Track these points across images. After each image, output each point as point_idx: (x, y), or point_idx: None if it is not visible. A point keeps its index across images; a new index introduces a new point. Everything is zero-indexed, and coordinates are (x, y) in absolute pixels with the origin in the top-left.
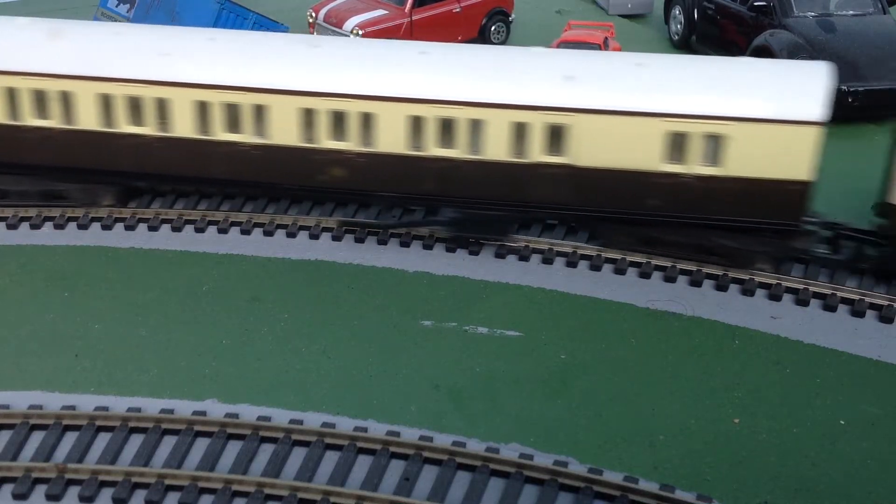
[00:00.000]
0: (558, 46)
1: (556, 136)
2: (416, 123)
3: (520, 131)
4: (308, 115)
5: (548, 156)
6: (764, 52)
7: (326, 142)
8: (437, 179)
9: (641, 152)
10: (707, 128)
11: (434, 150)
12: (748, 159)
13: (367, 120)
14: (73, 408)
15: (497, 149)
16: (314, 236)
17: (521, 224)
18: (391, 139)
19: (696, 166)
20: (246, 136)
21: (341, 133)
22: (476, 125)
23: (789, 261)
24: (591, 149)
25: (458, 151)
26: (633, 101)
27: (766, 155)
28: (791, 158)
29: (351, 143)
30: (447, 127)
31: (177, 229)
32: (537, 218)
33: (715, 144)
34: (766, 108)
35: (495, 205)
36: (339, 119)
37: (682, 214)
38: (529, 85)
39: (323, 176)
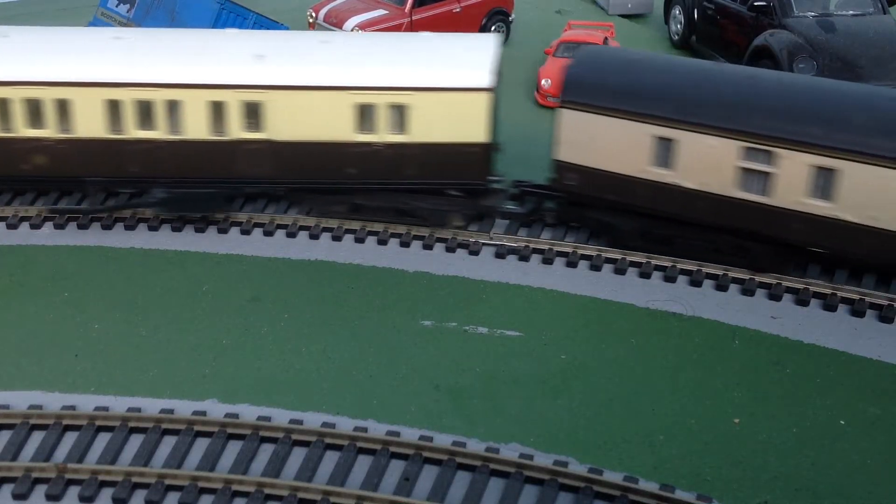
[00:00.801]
0: (558, 46)
1: (253, 114)
2: (115, 107)
3: (217, 110)
4: (22, 105)
5: (247, 132)
6: (764, 52)
7: (24, 130)
8: (142, 161)
9: (334, 124)
10: (391, 98)
11: (135, 132)
12: (430, 126)
13: (62, 106)
14: (73, 408)
15: (197, 128)
16: (314, 236)
17: (229, 199)
18: (90, 124)
19: (385, 135)
20: None
21: (39, 120)
22: (174, 106)
23: (482, 218)
24: (288, 124)
25: (159, 133)
26: (322, 77)
27: (445, 121)
28: (468, 123)
29: (49, 130)
30: (146, 109)
31: (177, 229)
32: (244, 193)
33: (399, 114)
34: (442, 78)
35: (202, 183)
36: (35, 107)
37: (377, 181)
38: (223, 65)
39: (25, 165)
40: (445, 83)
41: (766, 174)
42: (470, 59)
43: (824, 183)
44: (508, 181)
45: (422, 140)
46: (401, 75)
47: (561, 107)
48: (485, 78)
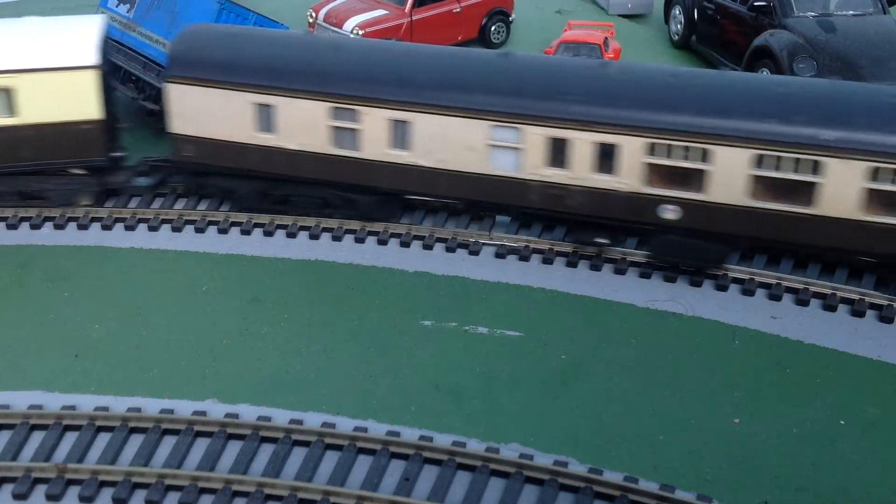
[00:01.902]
0: (558, 46)
1: None
2: None
3: None
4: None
5: None
6: (764, 52)
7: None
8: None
9: None
10: None
11: None
12: (41, 107)
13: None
14: (73, 408)
15: None
16: (314, 236)
17: None
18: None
19: None
20: None
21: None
22: None
23: (111, 194)
24: None
25: None
26: None
27: (56, 101)
28: (79, 101)
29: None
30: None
31: (177, 229)
32: None
33: (7, 97)
34: (48, 59)
35: None
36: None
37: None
38: None
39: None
40: (51, 63)
41: (354, 131)
42: (75, 39)
43: (402, 134)
44: (139, 158)
45: (34, 121)
46: (6, 59)
47: (167, 83)
48: (91, 56)
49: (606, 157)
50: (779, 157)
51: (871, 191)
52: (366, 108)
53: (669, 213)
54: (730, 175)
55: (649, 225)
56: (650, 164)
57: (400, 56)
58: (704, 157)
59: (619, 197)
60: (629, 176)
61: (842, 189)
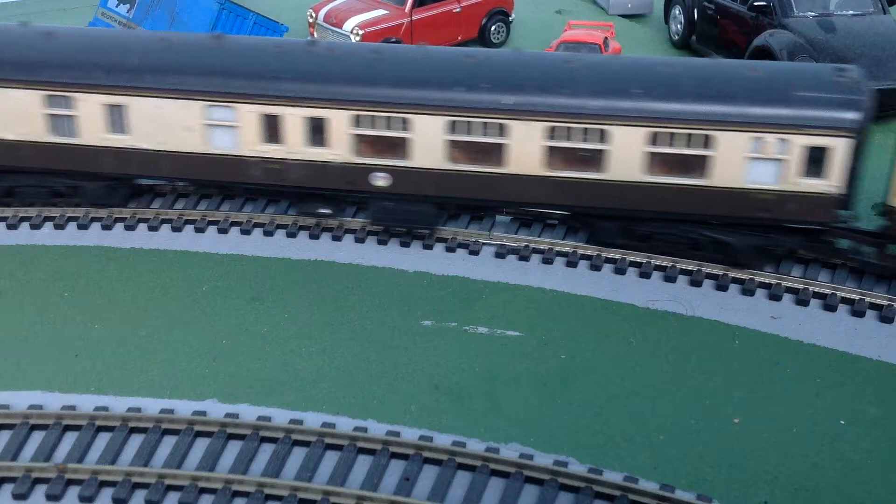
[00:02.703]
0: (558, 46)
1: None
2: None
3: None
4: None
5: None
6: (764, 52)
7: None
8: None
9: None
10: None
11: None
12: None
13: None
14: (73, 408)
15: None
16: (314, 236)
17: None
18: None
19: None
20: None
21: None
22: None
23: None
24: None
25: None
26: None
27: None
28: None
29: None
30: None
31: (177, 229)
32: None
33: None
34: None
35: None
36: None
37: None
38: None
39: None
40: None
41: (71, 117)
42: None
43: (119, 118)
44: None
45: None
46: None
47: None
48: None
49: (318, 131)
50: (469, 123)
51: (550, 148)
52: (80, 95)
53: (380, 180)
54: (429, 141)
55: (364, 193)
56: (358, 135)
57: (113, 42)
58: (405, 126)
59: (333, 168)
60: (340, 147)
61: (525, 149)
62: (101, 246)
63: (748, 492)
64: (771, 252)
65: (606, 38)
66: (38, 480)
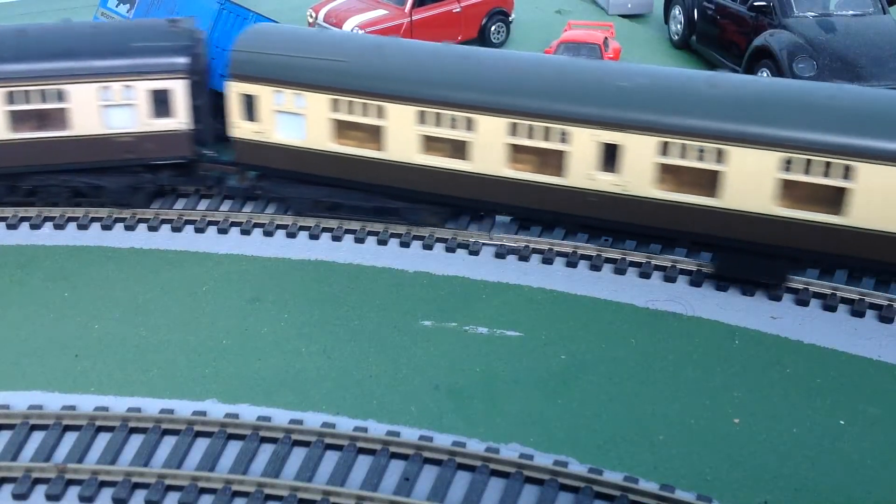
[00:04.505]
0: (558, 46)
1: None
2: None
3: None
4: None
5: None
6: (764, 52)
7: None
8: None
9: None
10: None
11: None
12: None
13: None
14: (73, 408)
15: None
16: (314, 236)
17: None
18: None
19: None
20: None
21: None
22: None
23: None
24: None
25: None
26: None
27: None
28: None
29: None
30: None
31: (177, 229)
32: None
33: None
34: None
35: None
36: None
37: None
38: None
39: None
40: None
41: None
42: None
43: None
44: None
45: None
46: None
47: None
48: None
49: None
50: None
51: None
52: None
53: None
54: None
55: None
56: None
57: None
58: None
59: None
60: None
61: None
62: (101, 246)
63: (748, 492)
64: (146, 190)
65: (606, 38)
66: (38, 480)
